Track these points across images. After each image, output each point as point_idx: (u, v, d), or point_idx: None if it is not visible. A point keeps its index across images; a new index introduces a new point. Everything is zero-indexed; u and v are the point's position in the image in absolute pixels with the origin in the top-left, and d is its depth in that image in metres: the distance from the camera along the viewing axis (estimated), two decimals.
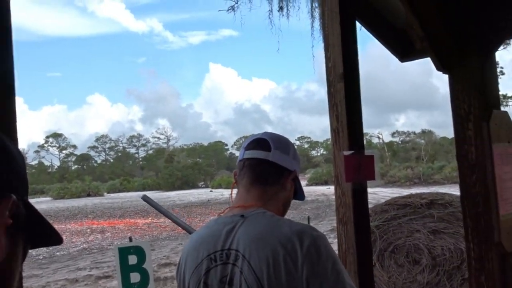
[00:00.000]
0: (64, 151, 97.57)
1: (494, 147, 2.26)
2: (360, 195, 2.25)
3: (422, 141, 69.12)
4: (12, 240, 0.54)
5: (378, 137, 70.03)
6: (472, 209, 2.28)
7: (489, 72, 2.36)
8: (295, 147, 1.49)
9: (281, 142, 1.40)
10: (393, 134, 78.90)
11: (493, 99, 2.37)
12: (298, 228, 1.23)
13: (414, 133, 73.22)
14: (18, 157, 0.59)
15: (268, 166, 1.35)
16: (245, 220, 1.27)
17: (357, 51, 2.33)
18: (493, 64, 2.43)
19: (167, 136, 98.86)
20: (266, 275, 1.18)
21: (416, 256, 4.85)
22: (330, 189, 29.70)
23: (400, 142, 77.18)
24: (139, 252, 4.87)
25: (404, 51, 3.06)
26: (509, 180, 2.31)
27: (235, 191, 1.40)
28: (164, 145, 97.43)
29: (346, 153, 2.21)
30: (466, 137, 2.33)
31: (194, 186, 58.47)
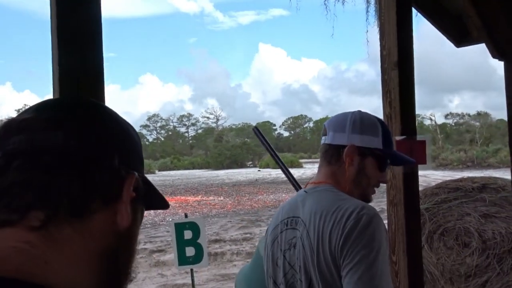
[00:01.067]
0: None
1: None
2: (410, 179, 2.34)
3: (477, 123, 66.67)
4: (134, 209, 0.66)
5: (431, 119, 68.13)
6: None
7: None
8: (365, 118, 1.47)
9: (336, 122, 1.49)
10: (446, 116, 76.54)
11: None
12: (352, 204, 1.32)
13: (469, 115, 70.70)
14: (136, 136, 0.69)
15: (327, 148, 1.48)
16: (313, 194, 1.43)
17: (412, 40, 2.39)
18: None
19: (216, 116, 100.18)
20: (316, 244, 1.32)
21: (466, 239, 4.86)
22: None
23: (453, 124, 74.81)
24: (194, 227, 5.15)
25: (460, 37, 3.08)
26: None
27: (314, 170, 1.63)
28: (213, 125, 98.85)
29: (398, 138, 2.30)
30: None
31: (242, 165, 59.22)
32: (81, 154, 0.58)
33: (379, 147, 1.44)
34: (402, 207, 2.31)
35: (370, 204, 1.39)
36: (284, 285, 1.44)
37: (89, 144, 0.60)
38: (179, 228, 5.17)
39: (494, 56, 2.39)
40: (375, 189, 1.48)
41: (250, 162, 62.83)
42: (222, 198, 22.32)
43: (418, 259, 2.36)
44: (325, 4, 5.43)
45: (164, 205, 0.76)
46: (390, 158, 1.49)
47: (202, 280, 8.20)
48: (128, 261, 0.65)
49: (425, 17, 2.96)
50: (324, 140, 1.50)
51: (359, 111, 1.51)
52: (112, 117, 0.66)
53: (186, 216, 5.36)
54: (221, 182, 33.97)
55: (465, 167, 36.82)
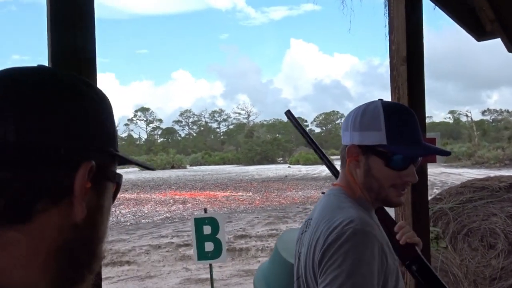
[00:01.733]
0: (151, 125, 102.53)
1: None
2: (420, 178, 2.27)
3: None
4: (99, 193, 0.59)
5: (467, 115, 66.33)
6: None
7: None
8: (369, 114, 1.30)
9: (346, 119, 1.37)
10: (483, 112, 74.45)
11: None
12: (343, 215, 1.19)
13: (508, 111, 68.50)
14: (101, 111, 0.60)
15: (341, 149, 1.37)
16: (325, 197, 1.36)
17: (422, 34, 2.32)
18: None
19: (247, 112, 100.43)
20: (307, 253, 1.25)
21: (492, 241, 4.70)
22: None
23: (491, 120, 72.66)
24: (213, 223, 5.17)
25: (479, 31, 2.97)
26: None
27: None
28: (245, 121, 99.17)
29: None
30: None
31: (273, 161, 59.23)
32: (20, 149, 0.52)
33: (382, 142, 1.25)
34: (409, 206, 2.25)
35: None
36: (297, 286, 1.37)
37: (29, 136, 0.52)
38: (199, 223, 5.20)
39: (509, 50, 2.29)
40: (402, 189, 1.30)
41: (281, 158, 62.76)
42: (250, 194, 22.37)
43: (427, 259, 2.29)
44: None
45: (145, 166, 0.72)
46: (401, 152, 1.26)
47: (226, 275, 8.24)
48: (93, 250, 0.60)
49: (443, 10, 2.87)
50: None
51: (373, 102, 1.33)
52: (66, 95, 0.57)
53: (205, 211, 5.39)
54: (251, 178, 34.05)
55: (502, 165, 35.70)
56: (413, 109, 2.28)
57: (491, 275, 4.65)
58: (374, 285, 1.12)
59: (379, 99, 1.35)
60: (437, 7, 2.99)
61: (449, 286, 4.85)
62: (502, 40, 2.28)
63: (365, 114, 1.30)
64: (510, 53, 2.28)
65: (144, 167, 0.71)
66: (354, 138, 1.30)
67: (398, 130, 1.26)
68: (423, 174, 2.29)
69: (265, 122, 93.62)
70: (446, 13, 2.88)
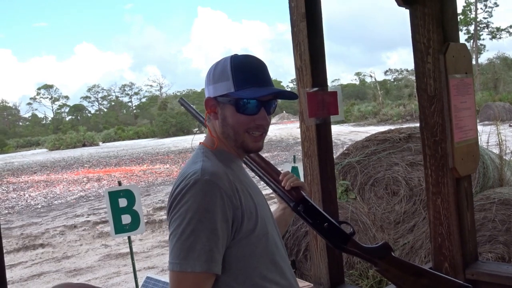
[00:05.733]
0: (56, 103, 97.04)
1: (450, 78, 2.37)
2: (323, 130, 2.37)
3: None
4: None
5: (371, 76, 69.74)
6: (431, 138, 2.42)
7: (448, 6, 2.43)
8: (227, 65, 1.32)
9: (207, 73, 1.38)
10: (385, 72, 78.55)
11: (452, 32, 2.44)
12: (191, 169, 1.25)
13: (407, 70, 72.79)
14: None
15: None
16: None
17: None
18: None
19: (159, 84, 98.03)
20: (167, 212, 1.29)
21: (395, 188, 5.07)
22: None
23: (393, 80, 76.94)
24: (129, 195, 5.07)
25: None
26: (464, 109, 2.43)
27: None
28: (157, 93, 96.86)
29: (309, 90, 2.31)
30: (425, 70, 2.43)
31: (188, 132, 58.67)
32: None
33: (230, 90, 1.30)
34: (316, 158, 2.35)
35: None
36: None
37: None
38: (114, 196, 5.07)
39: (399, 4, 2.41)
40: (256, 133, 1.33)
41: (196, 129, 62.29)
42: (168, 166, 22.13)
43: (334, 207, 2.43)
44: None
45: None
46: (245, 96, 1.29)
47: (147, 247, 8.18)
48: None
49: None
50: None
51: (225, 57, 1.36)
52: None
53: (119, 184, 5.26)
54: (167, 150, 33.64)
55: (404, 121, 38.15)
56: (315, 63, 2.36)
57: (395, 219, 5.04)
58: (215, 229, 1.17)
59: (230, 56, 1.37)
60: None
61: (359, 233, 5.19)
62: None
63: (216, 68, 1.35)
64: (401, 7, 2.41)
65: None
66: (210, 91, 1.35)
67: (244, 77, 1.30)
68: (326, 126, 2.40)
69: (178, 93, 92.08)
70: None
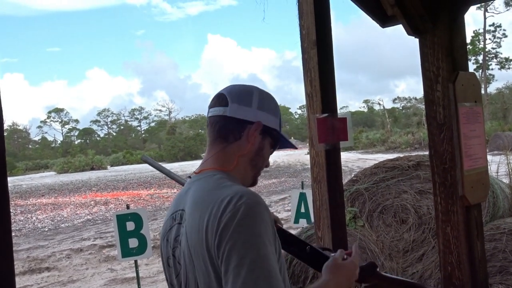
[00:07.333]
0: (66, 126, 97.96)
1: (460, 107, 2.38)
2: (333, 155, 2.38)
3: (424, 106, 69.00)
4: None
5: (379, 104, 69.89)
6: (440, 166, 2.42)
7: (457, 36, 2.46)
8: (273, 100, 1.37)
9: (241, 94, 1.30)
10: (394, 100, 78.67)
11: (461, 61, 2.47)
12: (231, 192, 1.13)
13: (415, 98, 72.87)
14: None
15: (226, 122, 1.28)
16: (196, 181, 1.28)
17: (330, 18, 2.42)
18: (462, 27, 2.52)
19: (168, 108, 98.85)
20: (194, 239, 1.16)
21: (403, 216, 5.03)
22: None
23: (401, 108, 77.01)
24: (137, 218, 5.08)
25: (383, 16, 3.13)
26: (473, 138, 2.44)
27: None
28: (166, 117, 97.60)
29: (319, 116, 2.33)
30: (435, 98, 2.45)
31: (196, 157, 58.76)
32: None
33: (277, 128, 1.34)
34: (325, 183, 2.35)
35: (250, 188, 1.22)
36: (178, 287, 1.26)
37: None
38: (121, 219, 5.08)
39: (409, 34, 2.45)
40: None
41: (204, 154, 62.36)
42: (175, 191, 22.10)
43: (343, 234, 2.42)
44: None
45: None
46: (281, 141, 1.38)
47: (153, 272, 8.11)
48: None
49: None
50: (220, 111, 1.29)
51: (260, 88, 1.36)
52: None
53: (128, 207, 5.27)
54: None
55: (413, 149, 38.06)
56: (325, 90, 2.39)
57: (404, 247, 4.98)
58: (274, 250, 1.12)
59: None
60: None
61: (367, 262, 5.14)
62: (402, 23, 2.44)
63: (266, 98, 1.34)
64: (410, 36, 2.45)
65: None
66: (259, 116, 1.30)
67: (280, 120, 1.40)
68: (336, 152, 2.41)
69: (187, 118, 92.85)
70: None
